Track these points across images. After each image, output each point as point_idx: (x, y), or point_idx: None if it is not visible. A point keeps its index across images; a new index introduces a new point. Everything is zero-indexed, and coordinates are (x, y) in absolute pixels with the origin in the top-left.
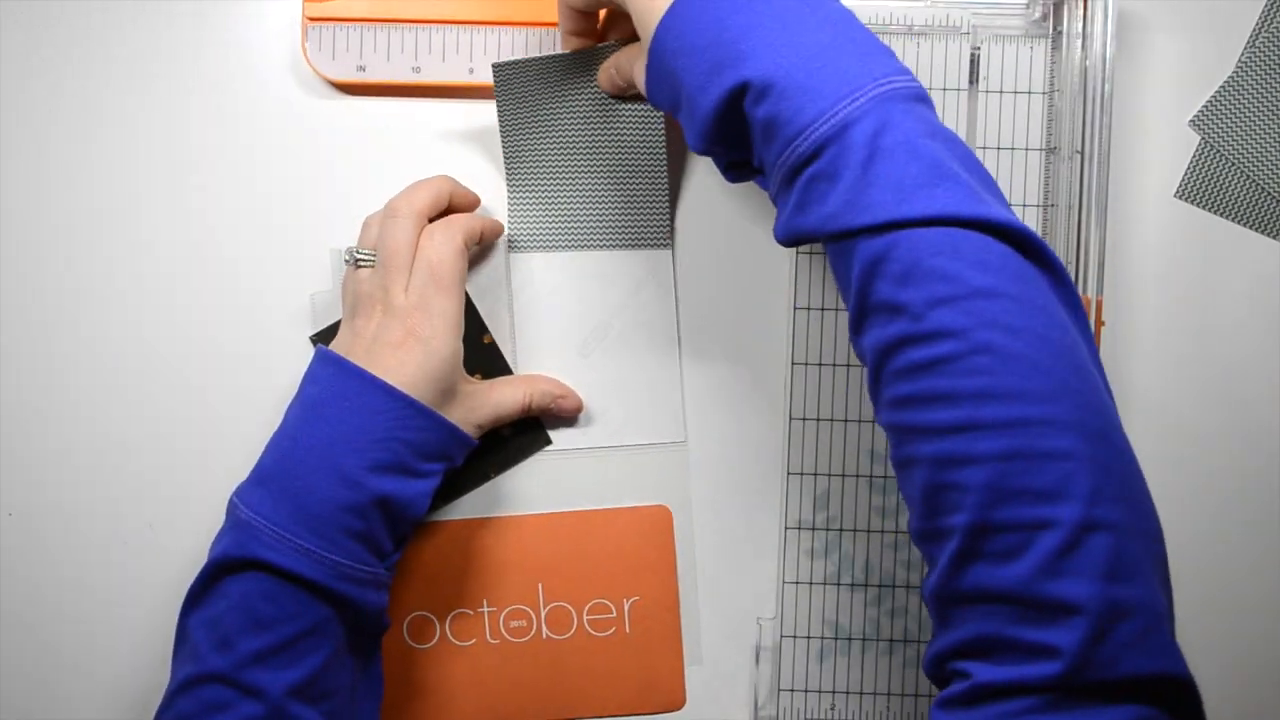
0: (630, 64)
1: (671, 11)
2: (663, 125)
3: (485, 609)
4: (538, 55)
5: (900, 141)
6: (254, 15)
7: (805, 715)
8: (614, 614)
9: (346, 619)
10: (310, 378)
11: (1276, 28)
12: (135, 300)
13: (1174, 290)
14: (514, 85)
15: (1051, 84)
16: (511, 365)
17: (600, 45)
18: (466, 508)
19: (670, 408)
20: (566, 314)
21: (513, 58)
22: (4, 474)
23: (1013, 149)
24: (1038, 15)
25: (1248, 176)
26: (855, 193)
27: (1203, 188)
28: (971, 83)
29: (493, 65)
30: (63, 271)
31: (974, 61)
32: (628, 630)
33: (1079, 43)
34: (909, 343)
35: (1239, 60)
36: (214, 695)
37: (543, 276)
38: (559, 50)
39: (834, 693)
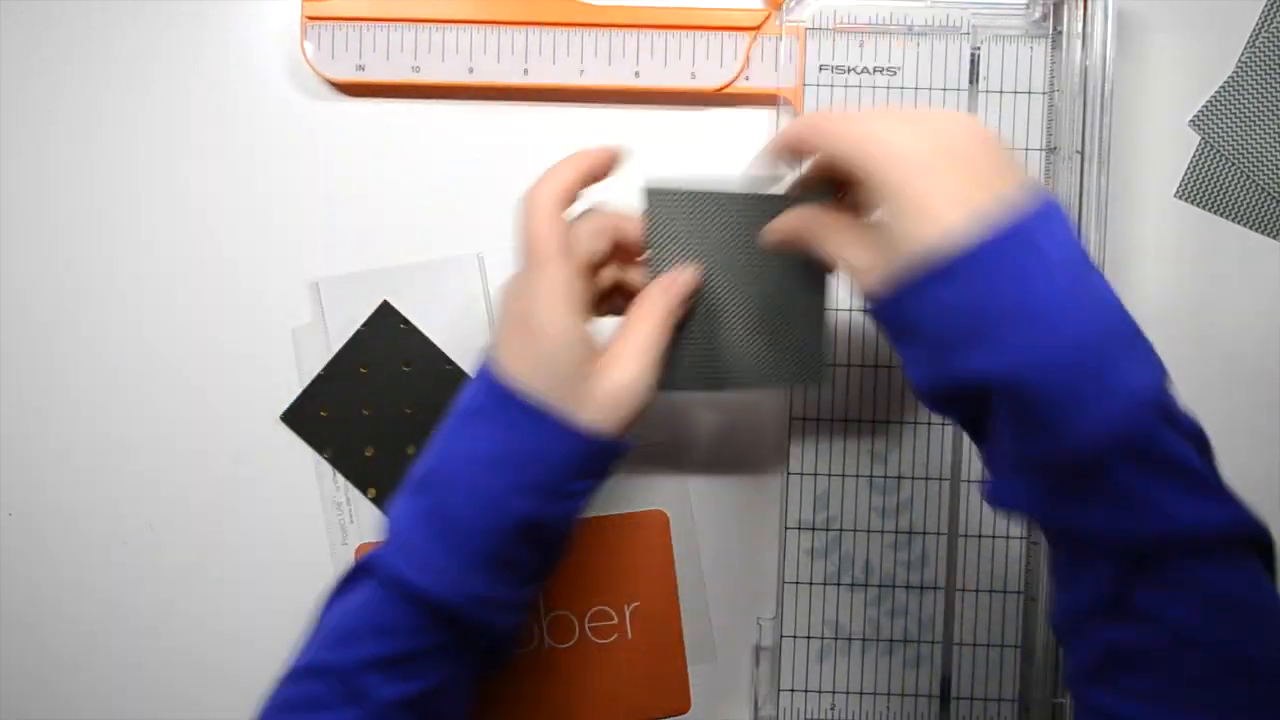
0: (838, 246)
1: (950, 268)
2: (827, 279)
3: None
4: (693, 188)
5: (1175, 458)
6: (253, 15)
7: (805, 715)
8: (615, 620)
9: (473, 644)
10: (469, 382)
11: (1276, 28)
12: (135, 300)
13: (1174, 290)
14: (663, 212)
15: (1051, 84)
16: None
17: (775, 194)
18: None
19: (666, 407)
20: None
21: (667, 185)
22: (4, 474)
23: (1012, 149)
24: (1038, 15)
25: (1248, 176)
26: (1121, 507)
27: (1203, 188)
28: (971, 83)
29: (646, 189)
30: (62, 271)
31: (974, 61)
32: (630, 636)
33: (1079, 43)
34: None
35: (1239, 60)
36: (320, 690)
37: None
38: (721, 182)
39: (834, 693)
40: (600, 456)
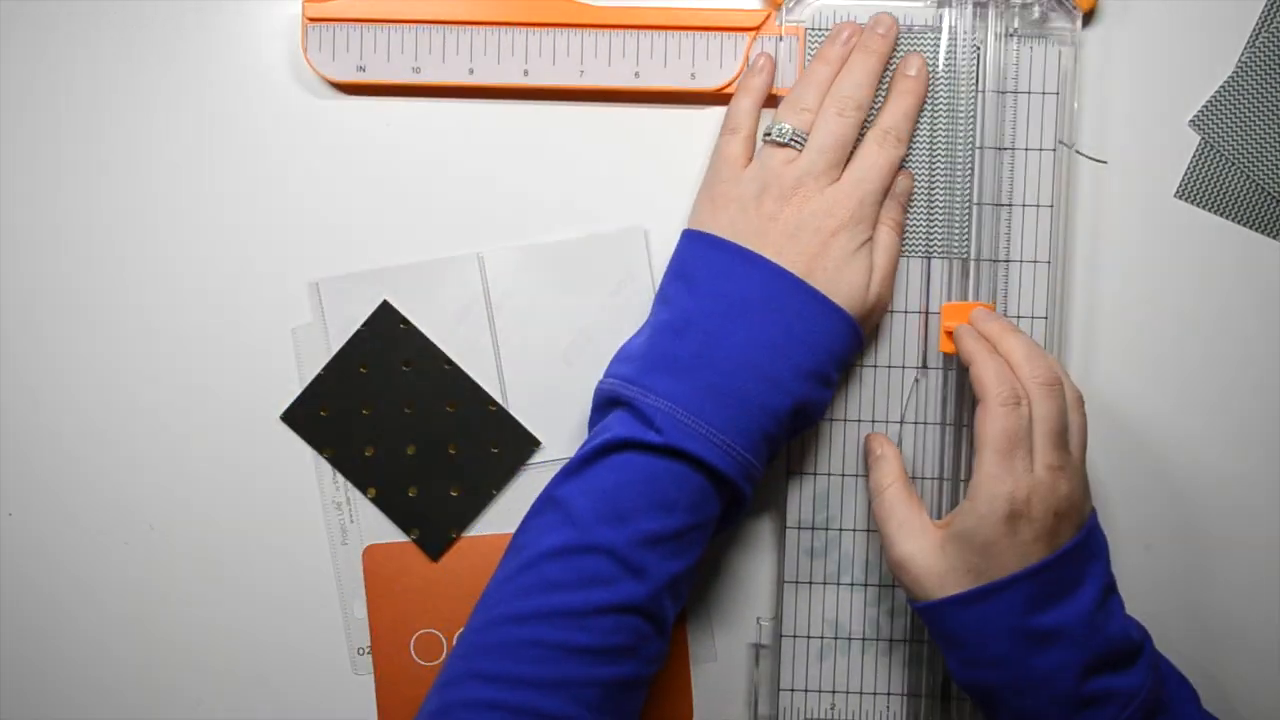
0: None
1: (1012, 591)
2: None
3: None
4: None
5: None
6: (254, 15)
7: (805, 715)
8: None
9: (731, 517)
10: (714, 267)
11: (1276, 28)
12: (135, 300)
13: (1174, 290)
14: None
15: (1057, 84)
16: (498, 379)
17: None
18: (481, 525)
19: None
20: (547, 324)
21: None
22: (4, 474)
23: (1014, 149)
24: (1036, 15)
25: (1248, 176)
26: None
27: (1203, 188)
28: (972, 82)
29: None
30: (62, 272)
31: (975, 61)
32: None
33: (1071, 38)
34: None
35: (1239, 60)
36: (596, 567)
37: (522, 287)
38: None
39: (834, 693)
40: (857, 348)
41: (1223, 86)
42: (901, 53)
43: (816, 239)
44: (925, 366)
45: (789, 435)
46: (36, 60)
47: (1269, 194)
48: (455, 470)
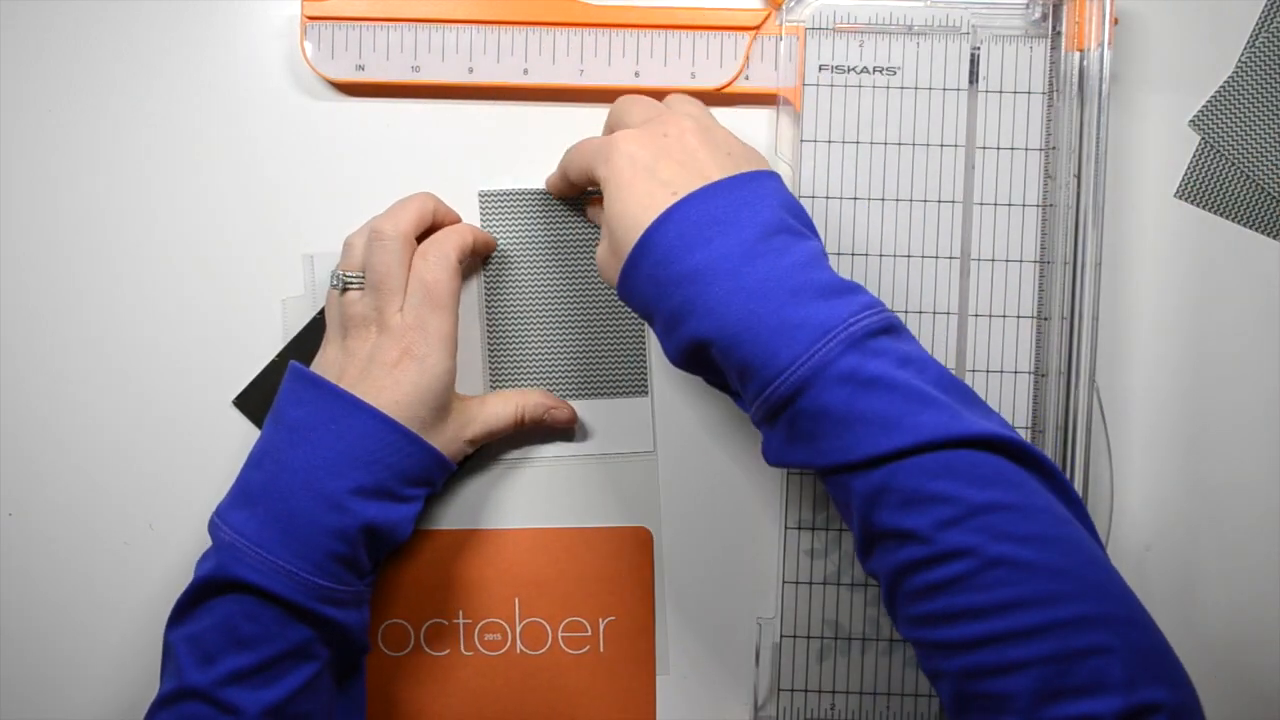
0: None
1: (640, 244)
2: None
3: (461, 620)
4: (524, 189)
5: (876, 376)
6: (253, 14)
7: (805, 715)
8: (589, 632)
9: (328, 640)
10: (293, 399)
11: (1277, 28)
12: (135, 299)
13: (1174, 290)
14: (499, 214)
15: (1051, 84)
16: (484, 371)
17: (587, 192)
18: (448, 519)
19: (643, 418)
20: (540, 321)
21: (499, 188)
22: (4, 474)
23: (1012, 149)
24: (1037, 15)
25: (1248, 176)
26: (841, 431)
27: (1203, 188)
28: (971, 83)
29: (479, 193)
30: (62, 271)
31: (974, 61)
32: (601, 650)
33: (1077, 41)
34: (922, 565)
35: (1239, 60)
36: (193, 711)
37: (517, 282)
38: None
39: (834, 693)
40: (440, 471)
41: (1223, 86)
42: None
43: (384, 370)
44: None
45: (376, 551)
46: (38, 58)
47: (1269, 194)
48: None
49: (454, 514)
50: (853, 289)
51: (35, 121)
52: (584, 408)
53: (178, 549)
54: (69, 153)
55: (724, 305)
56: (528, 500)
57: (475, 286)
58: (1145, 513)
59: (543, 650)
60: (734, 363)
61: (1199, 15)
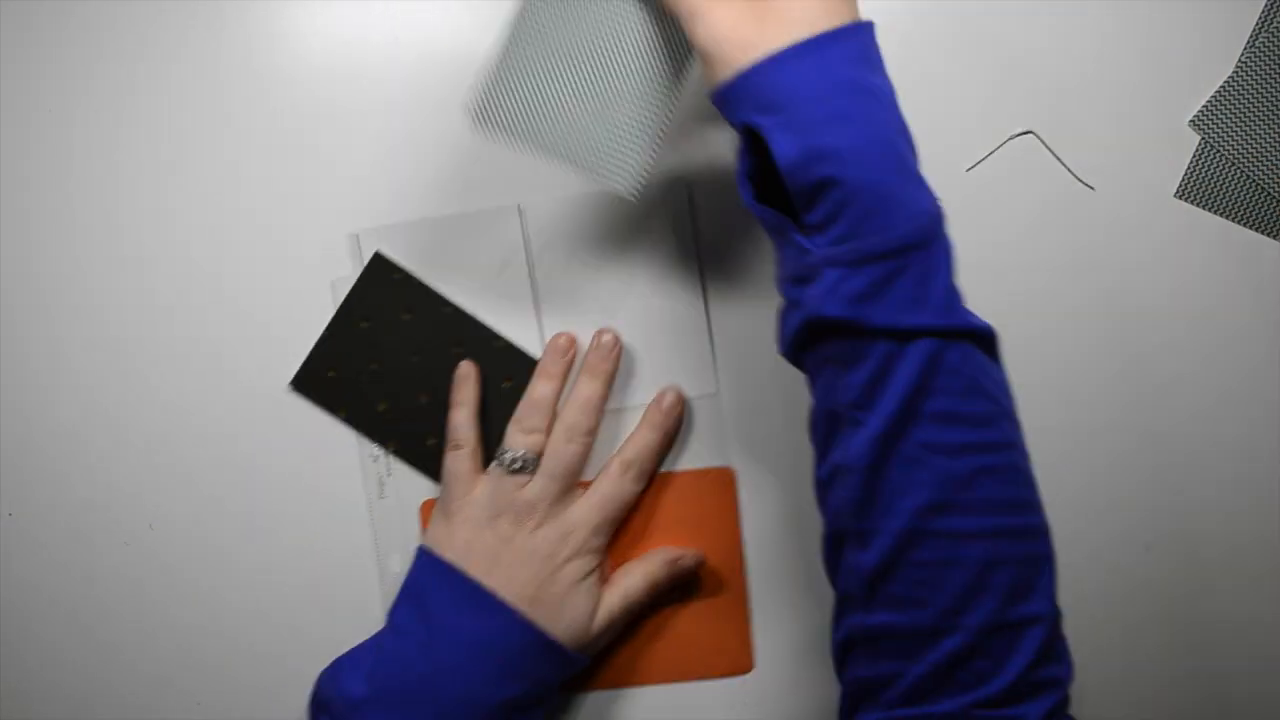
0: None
1: (749, 75)
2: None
3: None
4: None
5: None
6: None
7: None
8: None
9: None
10: (448, 597)
11: (1276, 28)
12: (135, 300)
13: (1174, 290)
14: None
15: None
16: (539, 338)
17: None
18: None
19: (704, 358)
20: (588, 277)
21: None
22: (4, 474)
23: None
24: None
25: (1248, 176)
26: (928, 294)
27: (1203, 188)
28: None
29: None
30: (62, 272)
31: None
32: (694, 592)
33: None
34: (976, 449)
35: (1239, 60)
36: None
37: (563, 239)
38: None
39: None
40: (572, 670)
41: (1223, 86)
42: None
43: (547, 566)
44: None
45: None
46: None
47: (1269, 194)
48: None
49: None
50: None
51: (27, 117)
52: (643, 357)
53: (178, 549)
54: (66, 152)
55: (863, 156)
56: (600, 459)
57: (519, 237)
58: (1145, 513)
59: None
60: (869, 195)
61: (1199, 15)
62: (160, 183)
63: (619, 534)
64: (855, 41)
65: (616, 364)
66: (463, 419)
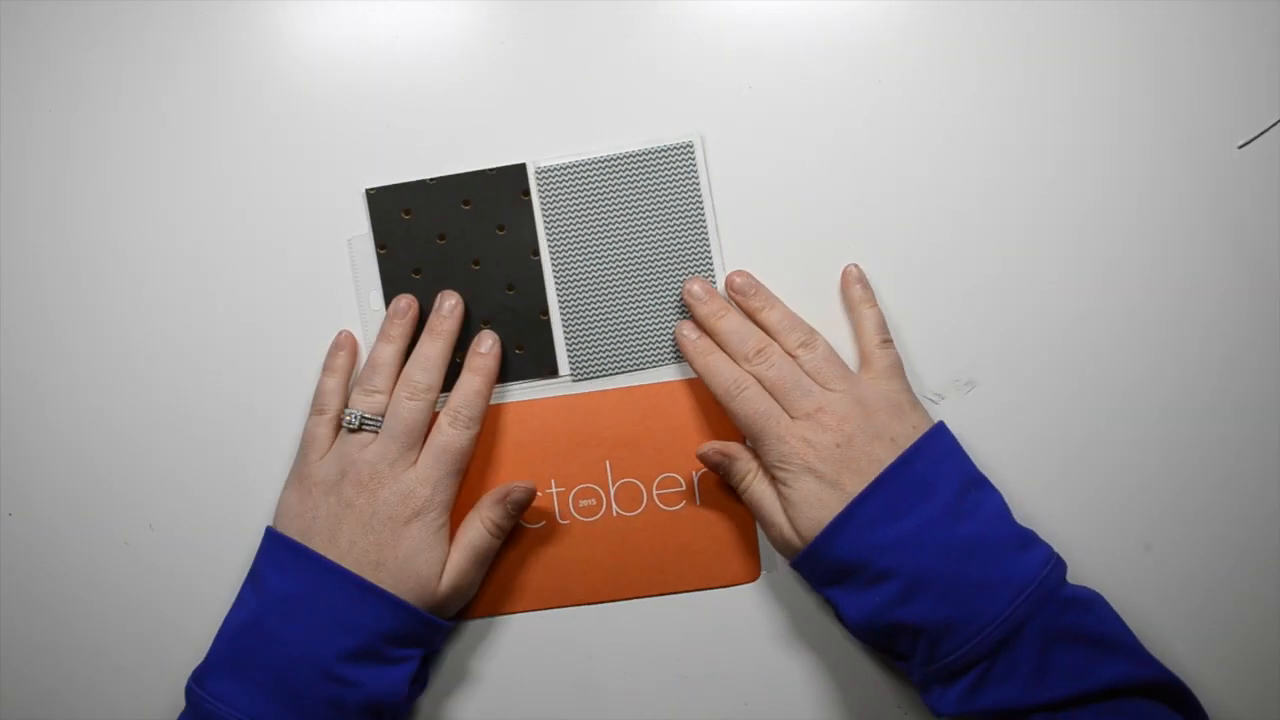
0: (748, 483)
1: (832, 528)
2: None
3: (554, 489)
4: (580, 160)
5: (1066, 627)
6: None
7: None
8: (683, 487)
9: None
10: (275, 563)
11: None
12: (134, 301)
13: (1167, 294)
14: (556, 189)
15: None
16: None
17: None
18: (529, 389)
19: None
20: (598, 240)
21: (555, 163)
22: (4, 474)
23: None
24: None
25: None
26: (1035, 680)
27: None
28: None
29: (536, 170)
30: (60, 268)
31: None
32: (697, 502)
33: None
34: None
35: None
36: None
37: (574, 199)
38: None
39: None
40: (429, 628)
41: None
42: None
43: (388, 529)
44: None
45: (374, 714)
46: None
47: None
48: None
49: (533, 383)
50: (1033, 538)
51: (28, 114)
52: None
53: (177, 549)
54: (65, 150)
55: (931, 569)
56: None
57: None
58: (1145, 512)
59: (639, 510)
60: (934, 621)
61: None
62: (161, 182)
63: (621, 441)
64: (886, 491)
65: (459, 322)
66: (331, 386)
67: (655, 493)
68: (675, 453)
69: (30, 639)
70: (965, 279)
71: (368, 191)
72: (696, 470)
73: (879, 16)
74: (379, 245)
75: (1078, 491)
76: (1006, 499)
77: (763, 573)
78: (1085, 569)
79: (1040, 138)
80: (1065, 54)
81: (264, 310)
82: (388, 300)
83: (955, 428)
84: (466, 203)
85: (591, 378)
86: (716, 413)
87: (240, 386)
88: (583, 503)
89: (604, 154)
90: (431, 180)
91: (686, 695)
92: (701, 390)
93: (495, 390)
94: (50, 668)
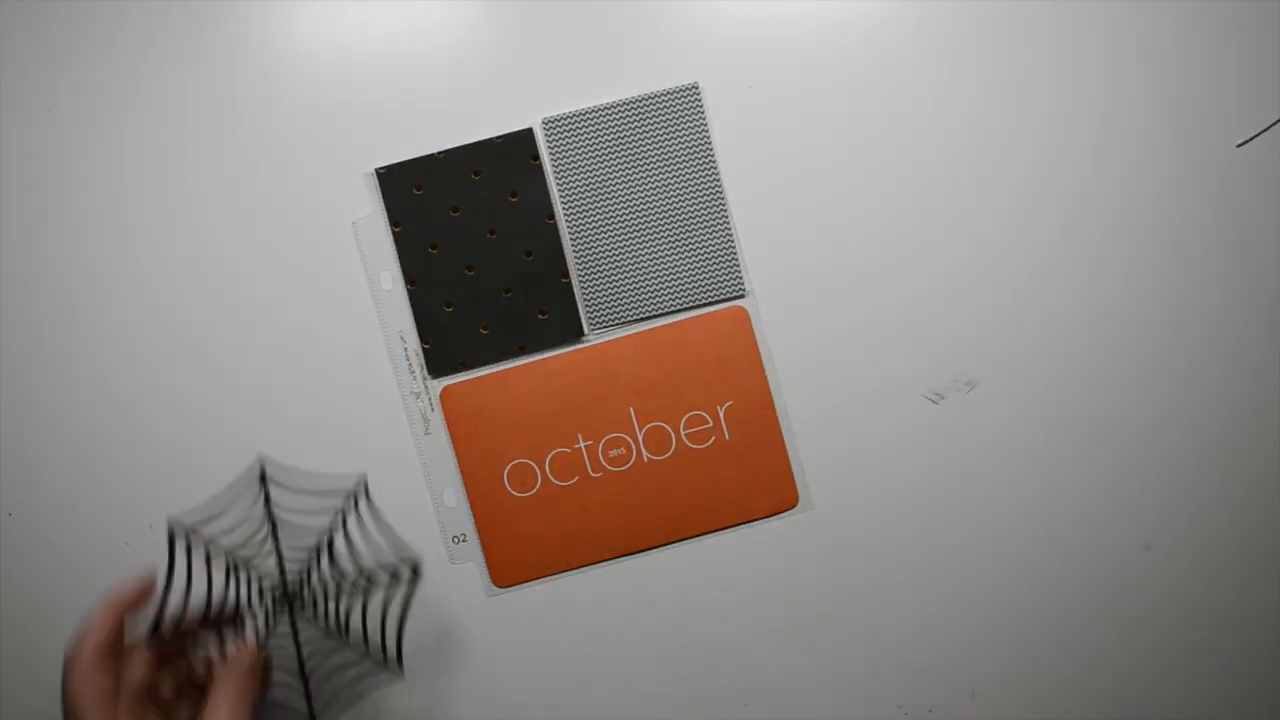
0: None
1: None
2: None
3: (582, 444)
4: (587, 108)
5: None
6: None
7: None
8: (710, 423)
9: None
10: None
11: None
12: (133, 301)
13: (1165, 296)
14: (564, 139)
15: None
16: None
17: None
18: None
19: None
20: (607, 192)
21: (561, 112)
22: (4, 474)
23: None
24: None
25: None
26: None
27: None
28: None
29: (542, 120)
30: (60, 267)
31: None
32: (727, 437)
33: None
34: None
35: None
36: None
37: (580, 151)
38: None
39: None
40: None
41: None
42: None
43: None
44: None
45: None
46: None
47: None
48: (502, 308)
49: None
50: None
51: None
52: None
53: None
54: (66, 150)
55: None
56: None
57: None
58: (1145, 513)
59: (668, 453)
60: None
61: None
62: (162, 181)
63: (642, 387)
64: None
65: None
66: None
67: (684, 433)
68: (699, 390)
69: (30, 639)
70: (965, 278)
71: (377, 170)
72: (720, 405)
73: None
74: (393, 223)
75: (1078, 491)
76: (1006, 499)
77: (800, 499)
78: (1085, 569)
79: (1040, 137)
80: (1065, 53)
81: (272, 303)
82: (406, 278)
83: (955, 427)
84: (477, 173)
85: (609, 327)
86: (735, 345)
87: (243, 385)
88: (612, 453)
89: (610, 100)
90: (440, 153)
91: (687, 695)
92: (716, 324)
93: (511, 357)
94: (50, 668)
